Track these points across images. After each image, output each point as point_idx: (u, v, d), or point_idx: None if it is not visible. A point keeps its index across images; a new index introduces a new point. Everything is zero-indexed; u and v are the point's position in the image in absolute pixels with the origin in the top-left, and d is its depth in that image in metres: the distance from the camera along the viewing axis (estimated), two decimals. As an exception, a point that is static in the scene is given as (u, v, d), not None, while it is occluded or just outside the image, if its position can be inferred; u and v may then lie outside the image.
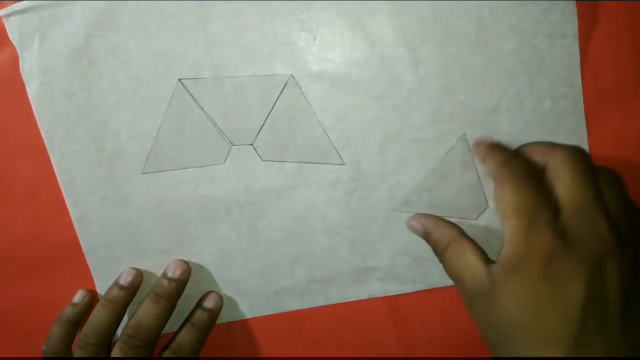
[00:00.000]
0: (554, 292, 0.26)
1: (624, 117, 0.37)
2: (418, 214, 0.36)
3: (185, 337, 0.37)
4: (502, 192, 0.30)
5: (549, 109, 0.36)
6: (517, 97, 0.36)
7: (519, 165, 0.31)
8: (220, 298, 0.39)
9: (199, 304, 0.39)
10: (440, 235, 0.33)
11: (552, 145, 0.31)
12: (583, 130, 0.36)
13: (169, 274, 0.37)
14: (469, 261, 0.30)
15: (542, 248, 0.27)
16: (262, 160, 0.37)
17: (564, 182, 0.29)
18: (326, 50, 0.36)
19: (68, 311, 0.38)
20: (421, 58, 0.35)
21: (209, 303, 0.38)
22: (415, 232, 0.36)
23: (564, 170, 0.29)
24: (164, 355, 0.37)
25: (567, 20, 0.35)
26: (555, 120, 0.36)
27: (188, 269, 0.38)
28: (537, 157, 0.32)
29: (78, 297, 0.38)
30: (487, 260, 0.30)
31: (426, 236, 0.35)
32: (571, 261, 0.26)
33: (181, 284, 0.37)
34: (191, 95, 0.36)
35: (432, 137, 0.36)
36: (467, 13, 0.35)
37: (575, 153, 0.30)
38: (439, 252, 0.33)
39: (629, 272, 0.27)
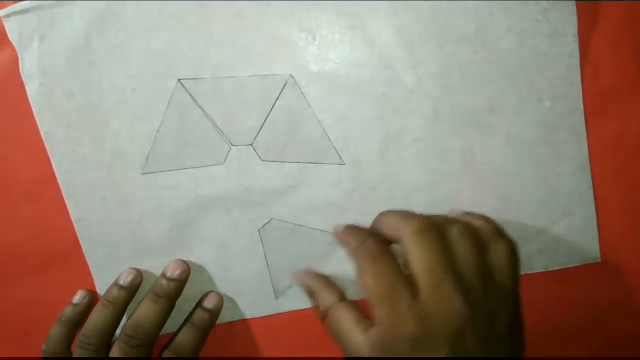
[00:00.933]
0: None
1: (624, 117, 0.37)
2: (307, 270, 0.37)
3: (185, 337, 0.37)
4: (362, 278, 0.31)
5: (548, 109, 0.36)
6: (516, 97, 0.36)
7: (375, 247, 0.31)
8: (221, 298, 0.39)
9: (199, 304, 0.39)
10: (321, 300, 0.34)
11: (402, 218, 0.31)
12: (582, 129, 0.36)
13: (168, 274, 0.37)
14: (346, 329, 0.32)
15: (406, 334, 0.29)
16: (262, 161, 0.37)
17: (414, 261, 0.30)
18: (326, 50, 0.36)
19: (68, 311, 0.38)
20: (421, 58, 0.35)
21: (209, 303, 0.38)
22: (299, 286, 0.37)
23: (412, 249, 0.30)
24: (163, 356, 0.37)
25: (567, 20, 0.35)
26: (555, 120, 0.36)
27: (187, 268, 0.38)
28: (390, 231, 0.32)
29: (78, 297, 0.38)
30: (366, 324, 0.31)
31: (309, 296, 0.36)
32: (433, 341, 0.29)
33: (180, 283, 0.37)
34: (191, 95, 0.36)
35: (432, 137, 0.36)
36: (467, 13, 0.35)
37: (419, 229, 0.30)
38: (320, 316, 0.34)
39: (486, 333, 0.29)
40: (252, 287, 0.39)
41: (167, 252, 0.38)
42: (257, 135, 0.37)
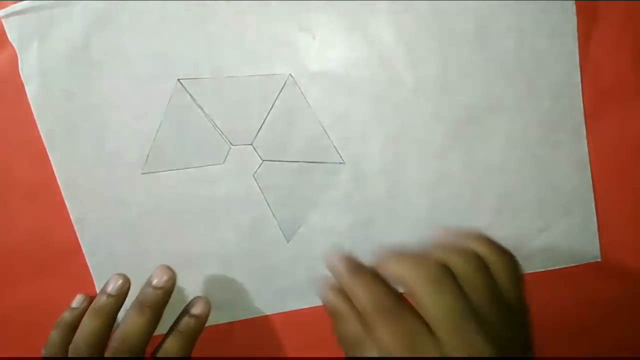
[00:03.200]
0: None
1: (624, 117, 0.37)
2: (328, 279, 0.33)
3: (171, 343, 0.36)
4: (377, 334, 0.29)
5: (548, 108, 0.36)
6: (516, 97, 0.36)
7: (391, 304, 0.29)
8: (208, 303, 0.38)
9: (185, 310, 0.38)
10: (344, 323, 0.31)
11: (411, 269, 0.29)
12: (582, 129, 0.36)
13: (154, 282, 0.36)
14: None
15: None
16: (262, 160, 0.37)
17: (431, 311, 0.28)
18: (325, 50, 0.36)
19: (66, 315, 0.37)
20: (420, 58, 0.35)
21: (196, 309, 0.37)
22: (322, 300, 0.33)
23: (427, 299, 0.28)
24: None
25: (567, 20, 0.35)
26: (555, 120, 0.36)
27: (174, 275, 0.37)
28: (399, 283, 0.30)
29: (76, 301, 0.38)
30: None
31: (331, 316, 0.33)
32: None
33: (167, 291, 0.36)
34: (190, 95, 0.36)
35: (432, 137, 0.36)
36: (466, 12, 0.35)
37: (434, 279, 0.29)
38: (339, 338, 0.32)
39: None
40: (252, 287, 0.39)
41: (167, 252, 0.38)
42: (257, 135, 0.37)
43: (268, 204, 0.38)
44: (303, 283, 0.39)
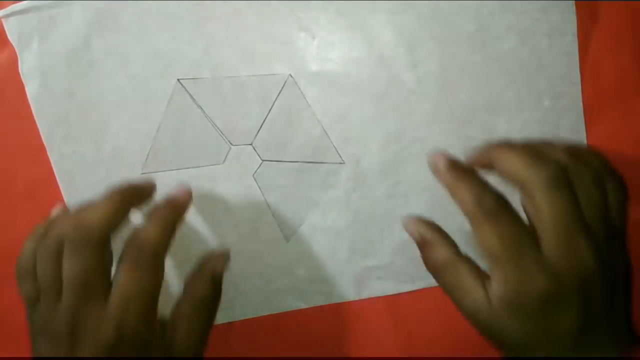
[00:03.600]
0: (551, 323, 0.29)
1: (624, 117, 0.37)
2: (420, 219, 0.34)
3: (147, 229, 0.31)
4: (482, 236, 0.29)
5: (548, 108, 0.36)
6: (516, 96, 0.36)
7: (495, 205, 0.29)
8: (189, 191, 0.34)
9: (164, 196, 0.34)
10: (438, 252, 0.32)
11: (530, 164, 0.29)
12: (582, 128, 0.36)
13: (170, 198, 0.33)
14: (467, 285, 0.30)
15: (534, 291, 0.28)
16: (262, 160, 0.37)
17: (544, 213, 0.28)
18: (325, 49, 0.36)
19: (41, 225, 0.33)
20: (420, 57, 0.35)
21: (176, 193, 0.34)
22: (410, 234, 0.34)
23: (543, 200, 0.28)
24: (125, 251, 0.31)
25: (566, 19, 0.35)
26: (555, 119, 0.36)
27: (190, 194, 0.34)
28: (513, 177, 0.30)
29: (54, 212, 0.35)
30: (483, 278, 0.30)
31: (421, 247, 0.33)
32: (563, 297, 0.28)
33: (183, 208, 0.33)
34: (190, 95, 0.36)
35: (432, 137, 0.36)
36: (466, 12, 0.35)
37: (554, 181, 0.28)
38: (433, 270, 0.33)
39: (610, 284, 0.29)
40: (252, 287, 0.39)
41: (167, 252, 0.38)
42: (256, 135, 0.37)
43: (268, 204, 0.38)
44: (303, 283, 0.39)
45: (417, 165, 0.37)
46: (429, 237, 0.33)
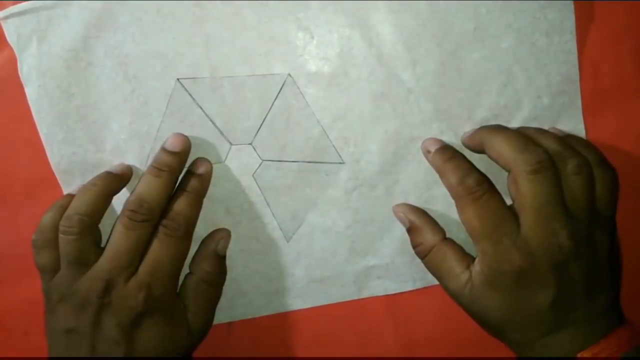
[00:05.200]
0: (526, 299, 0.31)
1: (624, 116, 0.37)
2: (409, 206, 0.37)
3: (180, 204, 0.34)
4: (465, 216, 0.32)
5: (547, 106, 0.36)
6: (515, 95, 0.36)
7: (477, 187, 0.32)
8: (209, 163, 0.36)
9: (189, 171, 0.36)
10: (425, 237, 0.35)
11: (517, 150, 0.31)
12: (581, 127, 0.36)
13: (168, 148, 0.35)
14: (450, 266, 0.33)
15: (511, 268, 0.30)
16: (262, 160, 0.37)
17: (525, 197, 0.30)
18: (324, 49, 0.36)
19: (63, 199, 0.35)
20: (419, 56, 0.35)
21: (198, 168, 0.36)
22: (400, 221, 0.37)
23: (525, 184, 0.30)
24: (162, 224, 0.34)
25: (565, 17, 0.35)
26: (553, 117, 0.36)
27: (188, 142, 0.36)
28: (500, 160, 0.32)
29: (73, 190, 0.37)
30: (468, 261, 0.33)
31: (410, 232, 0.36)
32: (537, 274, 0.30)
33: (182, 156, 0.35)
34: (190, 95, 0.36)
35: (431, 135, 0.36)
36: (465, 11, 0.35)
37: (538, 167, 0.30)
38: (421, 253, 0.35)
39: (589, 262, 0.31)
40: (252, 287, 0.39)
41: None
42: (256, 134, 0.37)
43: (268, 204, 0.38)
44: (303, 283, 0.39)
45: (417, 164, 0.37)
46: (417, 223, 0.35)
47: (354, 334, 0.39)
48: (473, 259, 0.32)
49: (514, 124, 0.36)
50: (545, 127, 0.36)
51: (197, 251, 0.37)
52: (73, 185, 0.37)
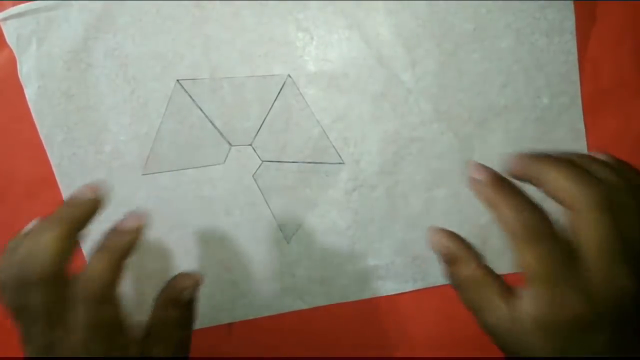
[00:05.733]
0: (581, 346, 0.28)
1: (624, 116, 0.37)
2: (441, 229, 0.32)
3: (95, 264, 0.29)
4: (522, 256, 0.28)
5: (547, 106, 0.36)
6: (515, 95, 0.36)
7: (539, 226, 0.28)
8: (143, 217, 0.31)
9: (113, 226, 0.31)
10: (464, 266, 0.31)
11: (579, 184, 0.28)
12: (581, 126, 0.36)
13: (121, 228, 0.31)
14: (489, 299, 0.30)
15: (569, 314, 0.27)
16: (262, 161, 0.37)
17: (588, 236, 0.28)
18: (323, 50, 0.36)
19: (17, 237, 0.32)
20: (418, 57, 0.35)
21: (127, 222, 0.31)
22: (433, 247, 0.32)
23: (588, 223, 0.28)
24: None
25: (565, 17, 0.35)
26: (553, 117, 0.36)
27: (144, 219, 0.31)
28: (560, 195, 0.29)
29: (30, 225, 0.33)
30: (509, 294, 0.29)
31: (446, 262, 0.32)
32: (597, 321, 0.28)
33: (134, 239, 0.31)
34: (190, 96, 0.36)
35: (431, 136, 0.36)
36: (464, 11, 0.35)
37: (603, 205, 0.28)
38: (458, 286, 0.32)
39: None
40: (252, 287, 0.39)
41: (168, 254, 0.38)
42: (256, 135, 0.37)
43: (268, 204, 0.38)
44: (303, 283, 0.39)
45: (416, 165, 0.37)
46: (456, 252, 0.31)
47: (354, 334, 0.39)
48: (514, 291, 0.29)
49: (514, 124, 0.36)
50: (545, 127, 0.36)
51: (161, 293, 0.33)
52: (74, 188, 0.37)
